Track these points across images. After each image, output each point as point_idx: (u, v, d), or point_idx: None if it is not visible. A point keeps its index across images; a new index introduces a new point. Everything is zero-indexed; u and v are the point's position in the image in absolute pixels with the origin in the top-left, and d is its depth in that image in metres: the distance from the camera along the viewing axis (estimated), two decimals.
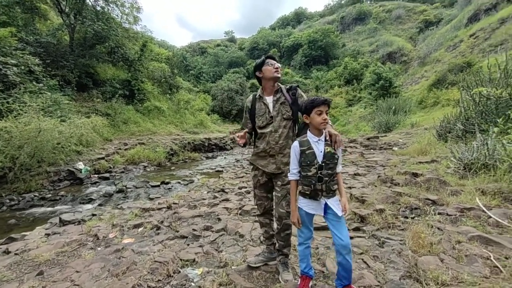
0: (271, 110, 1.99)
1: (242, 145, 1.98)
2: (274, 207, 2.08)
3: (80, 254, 2.70)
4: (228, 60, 40.36)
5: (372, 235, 2.60)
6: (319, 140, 1.64)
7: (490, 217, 2.50)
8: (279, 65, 2.04)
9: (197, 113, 19.99)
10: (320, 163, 1.60)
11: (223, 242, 2.81)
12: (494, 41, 15.76)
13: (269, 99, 2.04)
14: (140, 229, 3.36)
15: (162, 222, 3.59)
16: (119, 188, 6.64)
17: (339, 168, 1.69)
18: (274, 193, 2.06)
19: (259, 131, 2.05)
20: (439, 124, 6.84)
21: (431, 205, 3.05)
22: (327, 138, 1.65)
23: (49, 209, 5.40)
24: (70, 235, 3.30)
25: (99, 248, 2.82)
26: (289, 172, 1.76)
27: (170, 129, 15.09)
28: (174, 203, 4.57)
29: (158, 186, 6.94)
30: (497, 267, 1.62)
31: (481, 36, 17.78)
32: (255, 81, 30.94)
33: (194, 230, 3.16)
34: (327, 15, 50.83)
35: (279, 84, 2.07)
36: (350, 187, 4.35)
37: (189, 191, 6.13)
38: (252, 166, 2.14)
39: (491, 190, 3.00)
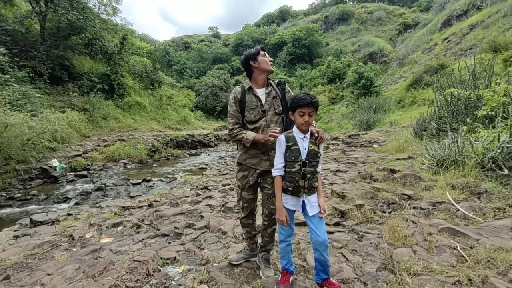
0: (263, 104, 1.90)
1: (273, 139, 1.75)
2: (262, 204, 2.02)
3: (53, 256, 2.56)
4: (212, 56, 39.76)
5: (351, 229, 2.68)
6: (304, 137, 1.65)
7: (458, 210, 2.67)
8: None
9: (180, 109, 19.56)
10: (304, 160, 1.62)
11: (205, 240, 2.79)
12: (465, 46, 16.72)
13: (261, 92, 1.94)
14: (120, 228, 3.25)
15: (142, 220, 3.50)
16: (98, 186, 6.38)
17: (319, 168, 1.73)
18: (263, 191, 1.99)
19: (249, 126, 1.91)
20: (416, 123, 7.17)
21: (406, 199, 3.20)
22: (314, 135, 1.68)
23: (19, 209, 5.07)
24: (42, 236, 3.13)
25: (74, 249, 2.70)
26: (273, 167, 1.74)
27: (152, 125, 14.66)
28: (155, 201, 4.47)
29: (139, 183, 6.75)
30: (463, 256, 1.74)
31: (453, 40, 18.79)
32: (239, 77, 30.82)
33: (175, 228, 3.11)
34: (311, 14, 51.39)
35: (269, 77, 2.00)
36: (331, 183, 4.46)
37: (171, 188, 6.03)
38: (240, 167, 2.01)
39: (460, 184, 3.20)
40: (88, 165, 8.39)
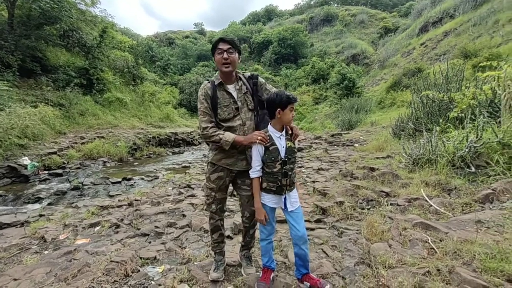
0: (237, 100, 1.78)
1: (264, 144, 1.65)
2: (241, 207, 1.95)
3: (21, 260, 2.41)
4: (197, 52, 39.13)
5: (332, 226, 2.75)
6: (281, 135, 1.64)
7: (431, 205, 2.82)
8: (235, 55, 1.74)
9: (163, 106, 19.09)
10: (283, 158, 1.61)
11: (187, 238, 2.75)
12: (439, 51, 17.63)
13: (231, 88, 1.81)
14: (97, 228, 3.13)
15: (122, 220, 3.39)
16: (74, 185, 6.08)
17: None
18: (241, 193, 1.90)
19: (224, 124, 1.77)
20: (395, 123, 7.47)
21: (384, 196, 3.33)
22: (289, 132, 1.68)
23: None
24: (9, 239, 2.93)
25: (45, 252, 2.56)
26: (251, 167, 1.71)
27: (133, 123, 14.19)
28: (136, 200, 4.35)
29: (119, 182, 6.51)
30: (433, 248, 1.84)
31: (429, 46, 19.75)
32: None
33: (156, 227, 3.05)
34: (297, 14, 52.02)
35: (238, 71, 1.86)
36: (314, 181, 4.54)
37: (153, 187, 5.88)
38: (214, 168, 1.85)
39: (433, 182, 3.38)
40: (64, 163, 7.98)
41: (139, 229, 2.99)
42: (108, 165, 8.91)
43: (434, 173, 3.68)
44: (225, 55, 1.70)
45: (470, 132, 3.59)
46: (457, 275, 1.45)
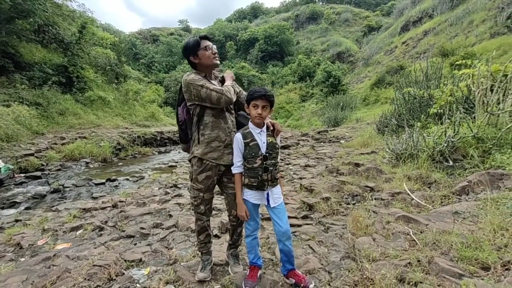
0: None
1: None
2: (228, 206, 1.94)
3: None
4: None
5: (318, 221, 2.80)
6: (261, 131, 1.67)
7: (413, 199, 2.92)
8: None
9: (148, 105, 18.63)
10: (264, 153, 1.63)
11: (173, 239, 2.71)
12: (420, 49, 18.25)
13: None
14: (79, 231, 3.02)
15: (106, 222, 3.29)
16: (55, 187, 5.82)
17: (278, 158, 1.76)
18: (228, 191, 1.89)
19: (211, 120, 1.78)
20: (378, 120, 7.67)
21: (369, 191, 3.41)
22: (270, 128, 1.70)
23: None
24: None
25: (22, 259, 2.43)
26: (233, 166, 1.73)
27: (117, 122, 13.76)
28: (120, 201, 4.23)
29: (103, 183, 6.31)
30: (414, 240, 1.91)
31: (410, 44, 20.39)
32: None
33: (142, 228, 2.98)
34: (283, 12, 52.12)
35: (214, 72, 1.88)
36: (301, 178, 4.59)
37: (138, 188, 5.75)
38: (202, 167, 1.80)
39: (415, 176, 3.50)
40: (43, 165, 7.62)
41: (124, 231, 2.91)
42: (91, 166, 8.61)
43: (416, 167, 3.81)
44: (214, 49, 1.73)
45: (448, 128, 3.75)
46: (436, 265, 1.51)
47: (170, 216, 3.43)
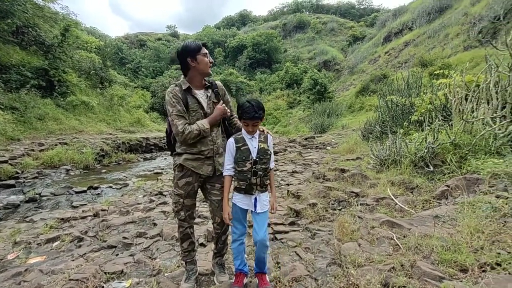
0: (205, 107, 1.79)
1: None
2: (212, 213, 1.92)
3: None
4: (170, 55, 38.13)
5: (305, 228, 2.80)
6: (253, 137, 1.72)
7: (397, 204, 2.99)
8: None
9: (133, 111, 18.25)
10: (254, 158, 1.68)
11: (157, 248, 2.63)
12: (401, 59, 19.07)
13: (200, 94, 1.80)
14: (56, 243, 2.86)
15: (86, 232, 3.15)
16: (30, 196, 5.52)
17: (272, 164, 1.79)
18: (211, 198, 1.88)
19: None
20: (363, 126, 7.88)
21: (354, 197, 3.47)
22: (262, 135, 1.76)
23: None
24: None
25: None
26: (223, 168, 1.79)
27: (100, 128, 13.36)
28: (102, 210, 4.07)
29: (84, 191, 6.05)
30: (398, 245, 1.95)
31: (393, 54, 21.28)
32: None
33: (125, 238, 2.87)
34: (271, 20, 53.10)
35: (205, 79, 1.87)
36: (288, 184, 4.61)
37: (122, 195, 5.57)
38: (182, 173, 1.80)
39: (398, 181, 3.59)
40: (18, 173, 7.23)
41: (105, 241, 2.80)
42: (72, 173, 8.26)
43: (399, 173, 3.92)
44: (210, 58, 1.78)
45: (428, 134, 3.90)
46: (418, 269, 1.55)
47: (155, 224, 3.34)
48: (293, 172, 5.70)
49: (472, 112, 3.63)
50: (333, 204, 3.38)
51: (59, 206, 5.13)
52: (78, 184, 6.73)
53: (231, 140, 1.74)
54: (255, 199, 1.71)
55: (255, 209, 1.71)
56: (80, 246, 2.77)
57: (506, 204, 2.04)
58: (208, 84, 1.86)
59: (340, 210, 3.17)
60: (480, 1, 14.88)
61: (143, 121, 17.91)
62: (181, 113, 1.70)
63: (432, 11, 20.15)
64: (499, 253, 1.55)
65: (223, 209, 1.75)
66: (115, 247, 2.68)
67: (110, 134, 13.14)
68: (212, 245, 2.38)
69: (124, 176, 8.03)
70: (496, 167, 2.66)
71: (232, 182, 1.78)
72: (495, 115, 3.30)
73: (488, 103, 3.45)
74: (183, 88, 1.75)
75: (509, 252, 1.53)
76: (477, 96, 3.61)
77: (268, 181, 1.75)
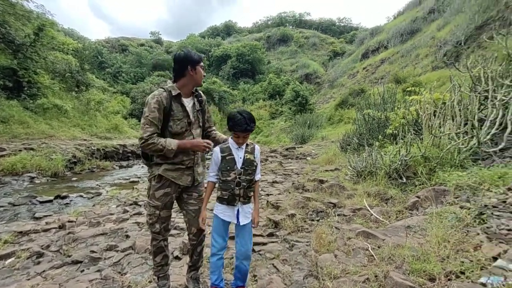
0: (190, 115, 1.77)
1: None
2: (188, 223, 1.87)
3: None
4: (152, 62, 37.53)
5: (284, 239, 2.79)
6: (239, 147, 1.71)
7: (372, 214, 3.07)
8: None
9: (111, 116, 17.55)
10: (239, 168, 1.66)
11: (129, 262, 2.48)
12: (377, 75, 20.17)
13: (187, 102, 1.78)
14: (9, 260, 2.60)
15: (48, 246, 2.90)
16: None
17: (258, 176, 1.78)
18: (188, 208, 1.83)
19: (174, 138, 1.71)
20: (342, 138, 8.13)
21: (332, 207, 3.52)
22: (249, 146, 1.75)
23: None
24: None
25: None
26: (207, 175, 1.80)
27: (74, 133, 12.65)
28: (70, 221, 3.79)
29: (50, 201, 5.62)
30: (373, 255, 1.99)
31: (370, 70, 22.47)
32: None
33: (92, 252, 2.68)
34: (255, 32, 54.24)
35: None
36: (268, 194, 4.60)
37: (93, 205, 5.24)
38: (160, 184, 1.74)
39: (374, 192, 3.71)
40: None
41: (69, 256, 2.59)
42: (38, 181, 7.69)
43: (375, 184, 4.06)
44: (204, 72, 1.82)
45: (401, 147, 4.10)
46: (391, 279, 1.58)
47: (127, 236, 3.16)
48: (273, 182, 5.71)
49: (440, 127, 3.88)
50: (311, 214, 3.41)
51: (18, 217, 4.70)
52: (43, 193, 6.26)
53: (217, 149, 1.73)
54: (238, 211, 1.69)
55: (238, 222, 1.69)
56: (39, 263, 2.54)
57: (469, 214, 2.17)
58: (195, 93, 1.86)
59: (318, 221, 3.20)
60: (445, 27, 16.27)
61: (121, 127, 17.25)
62: (156, 121, 1.65)
63: (404, 32, 21.68)
64: (463, 262, 1.63)
65: (201, 214, 1.76)
66: (80, 262, 2.49)
67: (85, 140, 12.48)
68: (187, 258, 2.29)
69: (97, 185, 7.61)
70: (460, 179, 2.84)
71: (215, 191, 1.78)
72: (458, 130, 3.55)
73: (453, 120, 3.71)
74: (173, 94, 1.71)
75: (471, 261, 1.61)
76: (444, 112, 3.88)
77: (251, 193, 1.74)
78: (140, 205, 4.73)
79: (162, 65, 37.41)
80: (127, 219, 3.90)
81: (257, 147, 1.79)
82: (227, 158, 1.68)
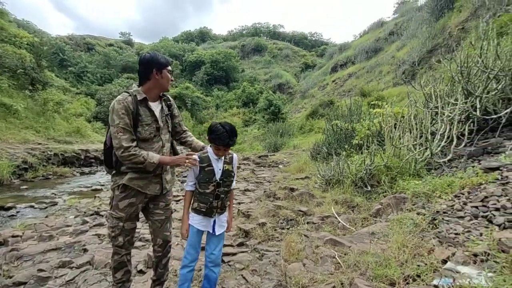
0: (159, 120, 1.70)
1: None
2: (153, 234, 1.79)
3: None
4: (122, 63, 35.79)
5: (254, 249, 2.76)
6: (219, 158, 1.67)
7: (340, 222, 3.19)
8: None
9: (72, 119, 16.23)
10: (218, 180, 1.62)
11: (85, 280, 2.27)
12: (345, 88, 21.45)
13: (155, 106, 1.71)
14: None
15: None
16: None
17: (233, 184, 1.76)
18: (153, 218, 1.76)
19: (141, 144, 1.62)
20: (312, 147, 8.42)
21: (302, 215, 3.59)
22: (227, 156, 1.71)
23: None
24: None
25: None
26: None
27: (26, 136, 11.43)
28: (14, 236, 3.38)
29: None
30: (339, 263, 2.05)
31: (339, 83, 23.81)
32: None
33: (41, 270, 2.41)
34: (230, 40, 54.69)
35: None
36: (239, 203, 4.56)
37: (46, 217, 4.75)
38: (125, 193, 1.64)
39: (341, 200, 3.87)
40: None
41: (10, 277, 2.29)
42: None
43: (342, 192, 4.24)
44: (172, 76, 1.76)
45: (366, 157, 4.35)
46: (355, 286, 1.64)
47: (85, 250, 2.90)
48: (245, 190, 5.68)
49: (400, 139, 4.21)
50: (282, 223, 3.44)
51: None
52: None
53: (195, 157, 1.65)
54: (214, 221, 1.66)
55: (213, 231, 1.65)
56: None
57: (424, 220, 2.35)
58: (163, 97, 1.80)
59: (288, 229, 3.24)
60: (403, 48, 17.98)
61: (84, 131, 16.00)
62: (128, 127, 1.56)
63: (369, 50, 23.48)
64: (419, 265, 1.75)
65: (182, 223, 1.68)
66: (24, 283, 2.21)
67: (39, 143, 11.33)
68: (151, 272, 2.15)
69: (52, 194, 6.92)
70: (416, 187, 3.09)
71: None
72: (415, 142, 3.89)
73: (410, 132, 4.06)
74: (138, 99, 1.63)
75: (426, 264, 1.74)
76: (403, 125, 4.23)
77: (228, 203, 1.73)
78: (102, 215, 4.40)
79: (132, 67, 35.81)
80: (86, 231, 3.59)
81: (235, 156, 1.76)
82: (206, 169, 1.62)
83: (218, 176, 1.63)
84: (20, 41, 15.38)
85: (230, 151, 1.73)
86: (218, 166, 1.64)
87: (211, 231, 1.67)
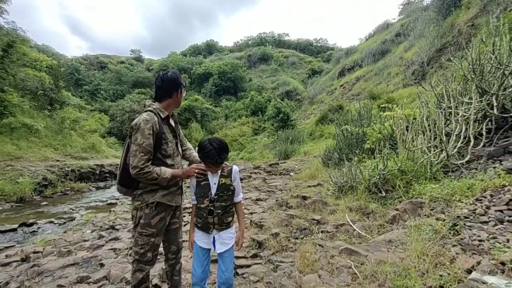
0: (177, 135, 1.84)
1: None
2: (168, 242, 1.86)
3: None
4: (133, 79, 37.13)
5: (268, 260, 2.72)
6: (215, 172, 1.66)
7: (355, 230, 3.10)
8: None
9: (88, 135, 16.83)
10: (213, 195, 1.59)
11: None
12: (354, 92, 21.24)
13: (172, 122, 1.83)
14: None
15: (7, 284, 2.62)
16: None
17: (239, 198, 1.72)
18: (170, 227, 1.83)
19: (166, 160, 1.68)
20: (323, 153, 8.31)
21: (316, 224, 3.52)
22: (225, 169, 1.67)
23: None
24: None
25: None
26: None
27: (46, 154, 11.92)
28: (35, 252, 3.48)
29: (14, 230, 5.15)
30: (356, 273, 1.98)
31: (347, 87, 23.63)
32: None
33: (60, 286, 2.46)
34: (236, 51, 55.74)
35: None
36: (251, 213, 4.53)
37: (64, 232, 4.88)
38: (156, 211, 1.66)
39: (355, 207, 3.77)
40: None
41: None
42: (0, 208, 7.06)
43: (356, 198, 4.13)
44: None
45: (379, 162, 4.25)
46: None
47: (102, 265, 2.94)
48: (257, 199, 5.65)
49: (413, 141, 4.10)
50: (295, 232, 3.37)
51: None
52: (6, 221, 5.74)
53: (202, 167, 1.68)
54: (213, 238, 1.62)
55: (214, 249, 1.62)
56: None
57: (444, 226, 2.25)
58: (173, 113, 1.88)
59: (302, 238, 3.17)
60: (411, 48, 17.72)
61: (98, 146, 16.54)
62: (150, 148, 1.60)
63: (376, 52, 23.29)
64: (441, 275, 1.66)
65: (189, 236, 1.72)
66: None
67: (57, 160, 11.78)
68: (166, 286, 2.16)
69: (70, 209, 7.12)
70: (433, 191, 2.97)
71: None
72: (429, 144, 3.77)
73: (423, 134, 3.94)
74: (162, 117, 1.70)
75: (449, 274, 1.65)
76: (415, 127, 4.12)
77: (229, 219, 1.66)
78: (117, 229, 4.47)
79: (143, 82, 37.10)
80: (102, 245, 3.66)
81: (234, 168, 1.68)
82: (201, 183, 1.62)
83: (213, 190, 1.60)
84: (40, 64, 16.32)
85: (228, 164, 1.70)
86: (213, 181, 1.61)
87: (213, 249, 1.63)
